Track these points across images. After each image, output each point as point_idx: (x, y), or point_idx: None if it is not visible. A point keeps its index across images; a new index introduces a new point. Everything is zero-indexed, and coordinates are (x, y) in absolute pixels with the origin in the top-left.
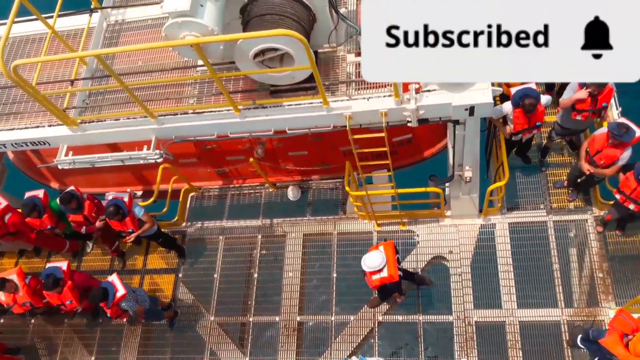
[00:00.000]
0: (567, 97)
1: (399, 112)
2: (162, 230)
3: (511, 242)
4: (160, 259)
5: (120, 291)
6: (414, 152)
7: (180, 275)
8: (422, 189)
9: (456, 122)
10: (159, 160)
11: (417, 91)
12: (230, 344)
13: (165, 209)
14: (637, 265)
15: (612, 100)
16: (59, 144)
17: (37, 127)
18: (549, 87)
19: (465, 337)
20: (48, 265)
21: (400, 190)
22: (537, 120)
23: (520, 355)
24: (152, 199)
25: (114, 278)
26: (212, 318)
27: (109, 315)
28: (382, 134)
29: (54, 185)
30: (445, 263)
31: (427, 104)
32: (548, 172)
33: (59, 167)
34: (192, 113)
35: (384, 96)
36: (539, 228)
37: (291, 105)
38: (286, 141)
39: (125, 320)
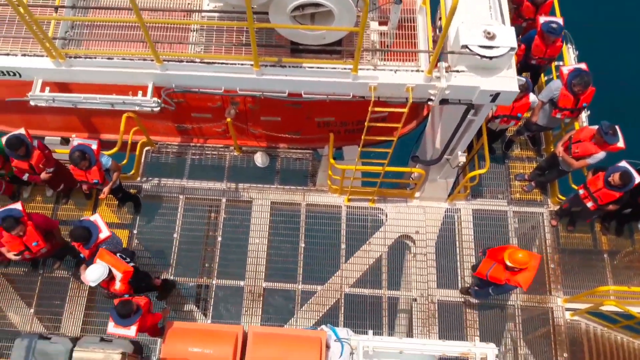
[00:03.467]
0: (545, 96)
1: (425, 89)
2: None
3: (474, 227)
4: (111, 213)
5: (105, 232)
6: (385, 131)
7: (135, 231)
8: (408, 169)
9: (471, 107)
10: (155, 110)
11: (446, 70)
12: (191, 305)
13: (125, 161)
14: (584, 259)
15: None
16: (33, 77)
17: (8, 55)
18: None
19: (427, 314)
20: None
21: (389, 169)
22: (519, 112)
23: (478, 334)
24: (115, 149)
25: (96, 217)
26: (172, 278)
27: (82, 256)
28: (404, 109)
29: None
30: (411, 243)
31: (455, 85)
32: (510, 165)
33: (32, 103)
34: (200, 62)
35: (412, 70)
36: (499, 217)
37: (313, 67)
38: (262, 104)
39: None
